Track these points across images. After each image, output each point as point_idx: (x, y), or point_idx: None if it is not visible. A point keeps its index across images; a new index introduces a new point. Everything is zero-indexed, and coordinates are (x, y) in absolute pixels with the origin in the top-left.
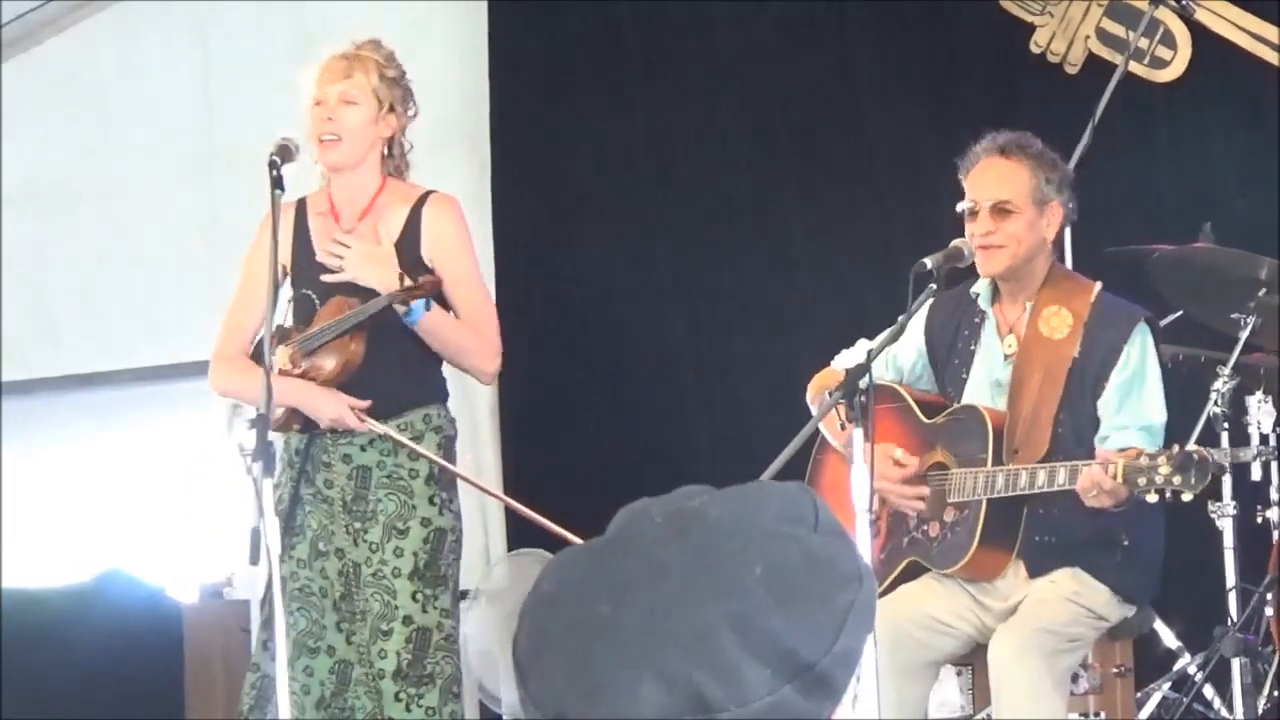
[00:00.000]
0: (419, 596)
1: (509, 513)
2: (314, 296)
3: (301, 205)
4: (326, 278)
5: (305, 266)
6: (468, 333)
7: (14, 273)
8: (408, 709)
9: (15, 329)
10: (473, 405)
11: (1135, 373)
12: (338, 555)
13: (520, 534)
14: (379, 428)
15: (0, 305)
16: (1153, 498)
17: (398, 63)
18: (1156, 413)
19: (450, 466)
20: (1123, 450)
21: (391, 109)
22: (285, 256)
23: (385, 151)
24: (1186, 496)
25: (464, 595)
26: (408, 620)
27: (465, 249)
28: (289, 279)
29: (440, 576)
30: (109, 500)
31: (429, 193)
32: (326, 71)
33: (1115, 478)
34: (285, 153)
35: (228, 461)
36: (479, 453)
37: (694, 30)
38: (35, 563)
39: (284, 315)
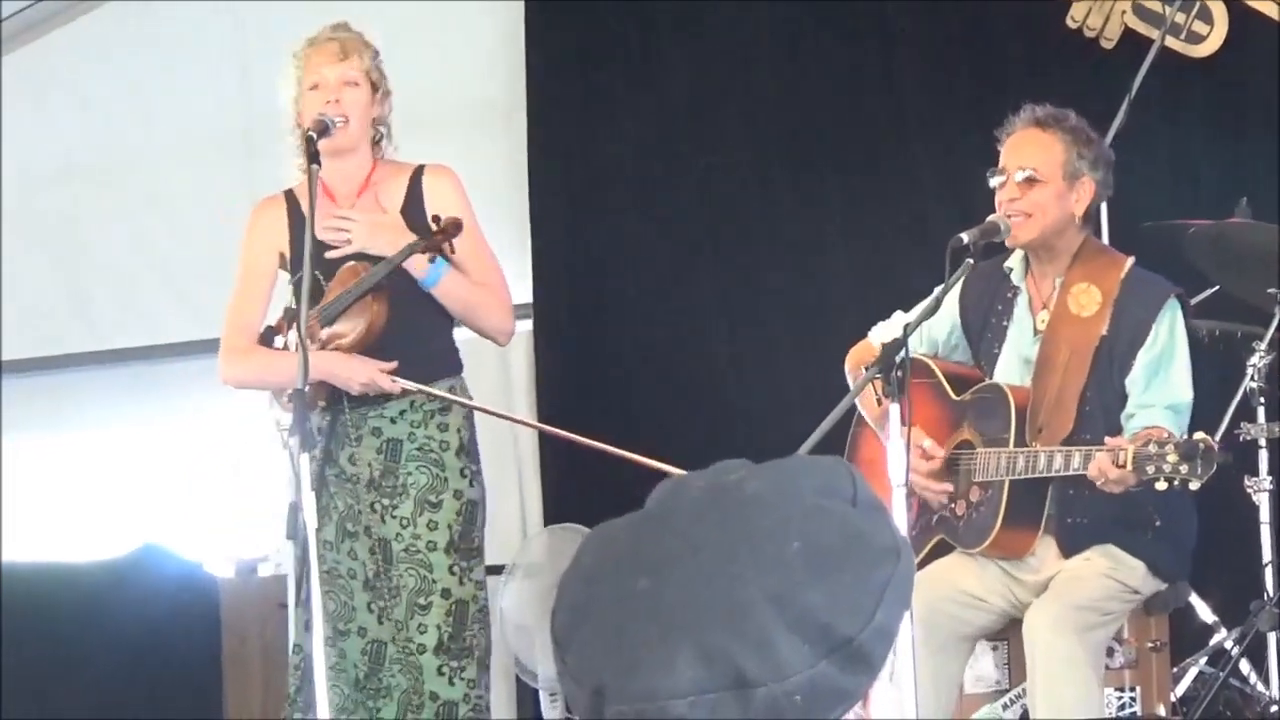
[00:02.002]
0: (455, 569)
1: (546, 487)
2: (320, 276)
3: (290, 195)
4: (332, 254)
5: (311, 257)
6: (482, 292)
7: (51, 249)
8: (450, 682)
9: (52, 305)
10: (509, 379)
11: (1164, 350)
12: (366, 534)
13: (557, 509)
14: (412, 386)
15: (37, 282)
16: (1162, 485)
17: (372, 43)
18: (1183, 391)
19: (495, 411)
20: (1146, 429)
21: (382, 90)
22: (282, 244)
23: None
24: (1193, 485)
25: (499, 570)
26: (446, 593)
27: (469, 212)
28: (289, 262)
29: (474, 549)
30: (146, 475)
31: (422, 165)
32: (320, 55)
33: (1125, 465)
34: (322, 127)
35: (265, 437)
36: (517, 431)
37: (730, 6)
38: (72, 537)
39: (287, 300)
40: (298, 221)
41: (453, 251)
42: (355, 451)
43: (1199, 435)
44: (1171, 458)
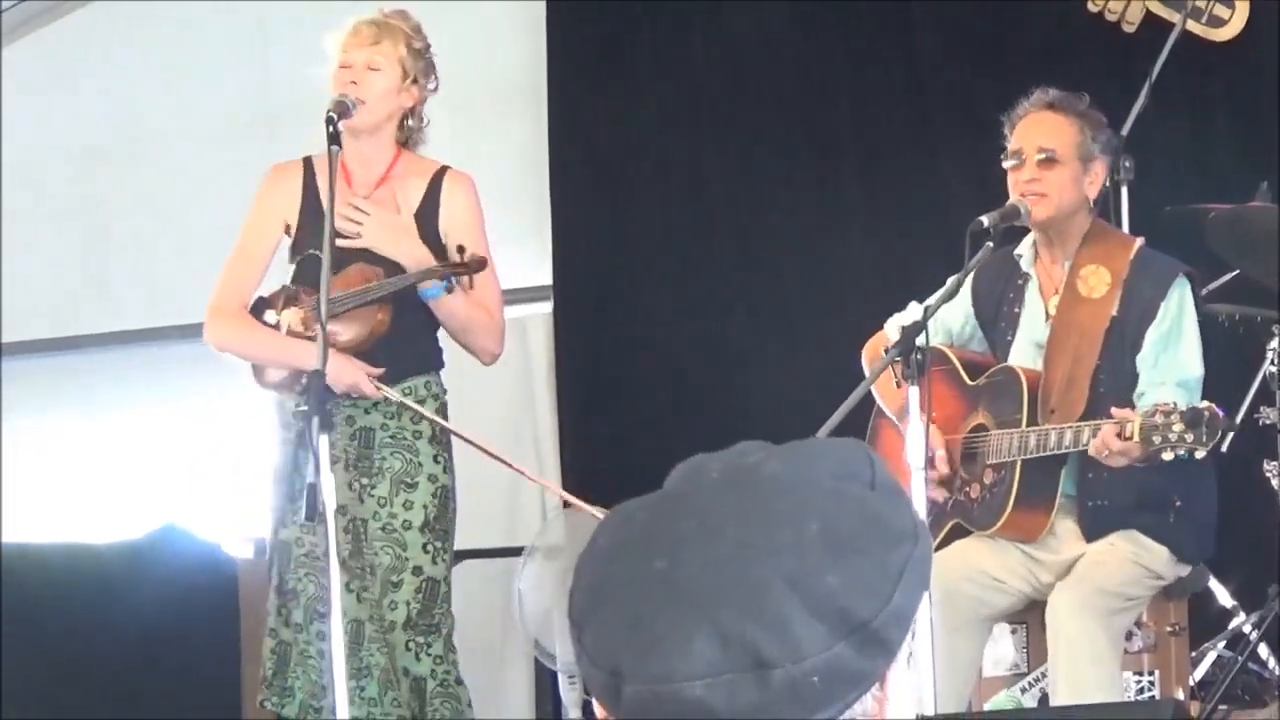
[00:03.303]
0: (429, 548)
1: (566, 469)
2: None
3: (309, 164)
4: (341, 243)
5: (314, 228)
6: (479, 313)
7: (71, 230)
8: (417, 658)
9: (70, 286)
10: (529, 364)
11: (1172, 327)
12: (341, 513)
13: (577, 491)
14: (395, 396)
15: (58, 263)
16: (1169, 455)
17: (424, 35)
18: (1193, 367)
19: (454, 429)
20: (1157, 405)
21: (415, 80)
22: (291, 215)
23: (401, 122)
24: (1200, 454)
25: (519, 552)
26: (418, 570)
27: (480, 228)
28: (293, 238)
29: (445, 531)
30: (166, 456)
31: (445, 167)
32: (355, 36)
33: (1131, 436)
34: (342, 109)
35: (268, 418)
36: (536, 415)
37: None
38: (93, 518)
39: (286, 276)
40: (311, 193)
41: (470, 287)
42: (331, 436)
43: (1204, 403)
44: (1177, 426)
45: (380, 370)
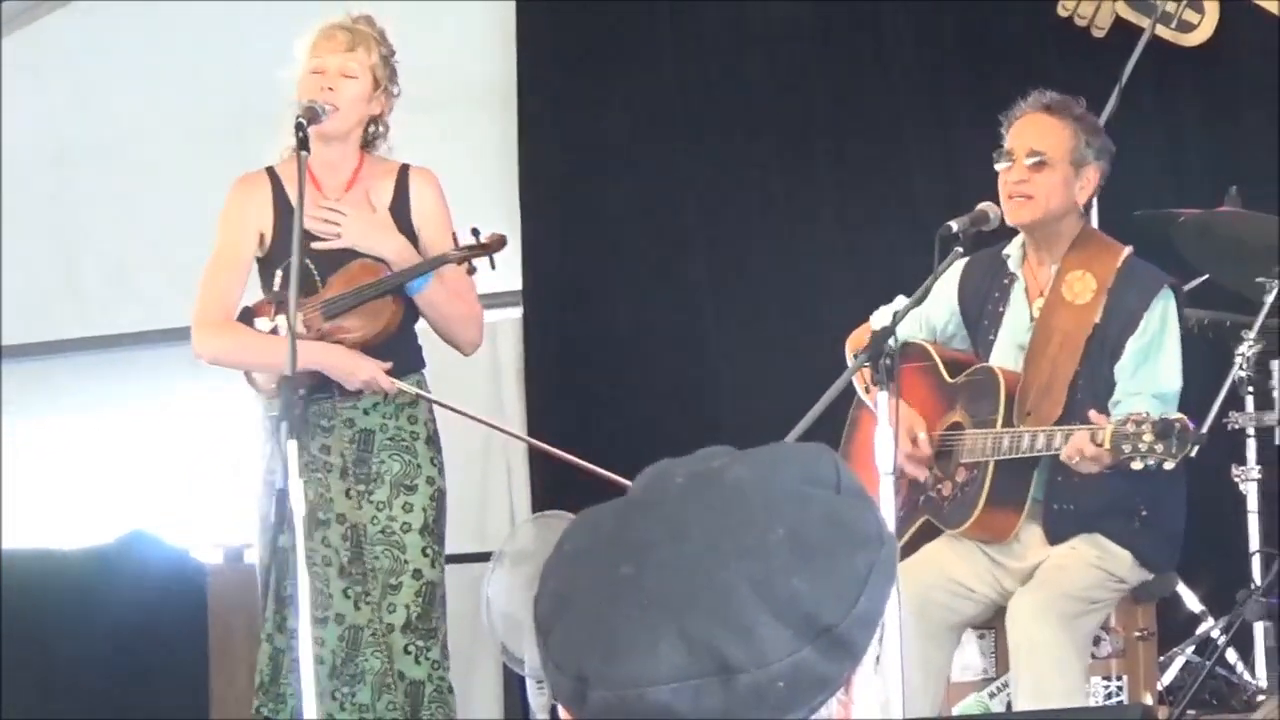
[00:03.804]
0: (428, 551)
1: (534, 475)
2: (310, 265)
3: (273, 174)
4: (319, 245)
5: (290, 236)
6: (459, 304)
7: (44, 233)
8: (416, 661)
9: (45, 289)
10: (497, 368)
11: (1153, 339)
12: (339, 520)
13: (545, 497)
14: (410, 389)
15: (31, 266)
16: (1138, 465)
17: (389, 41)
18: (1171, 380)
19: (487, 421)
20: (1130, 414)
21: (385, 88)
22: (265, 225)
23: (366, 127)
24: (1168, 465)
25: (487, 557)
26: (417, 574)
27: (448, 220)
28: (268, 248)
29: (441, 535)
30: (135, 461)
31: (406, 165)
32: (328, 41)
33: (1102, 444)
34: (312, 115)
35: (250, 423)
36: (505, 419)
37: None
38: (63, 523)
39: (275, 283)
40: (282, 203)
41: (493, 268)
42: (328, 441)
43: (1175, 415)
44: (1147, 436)
45: (389, 364)
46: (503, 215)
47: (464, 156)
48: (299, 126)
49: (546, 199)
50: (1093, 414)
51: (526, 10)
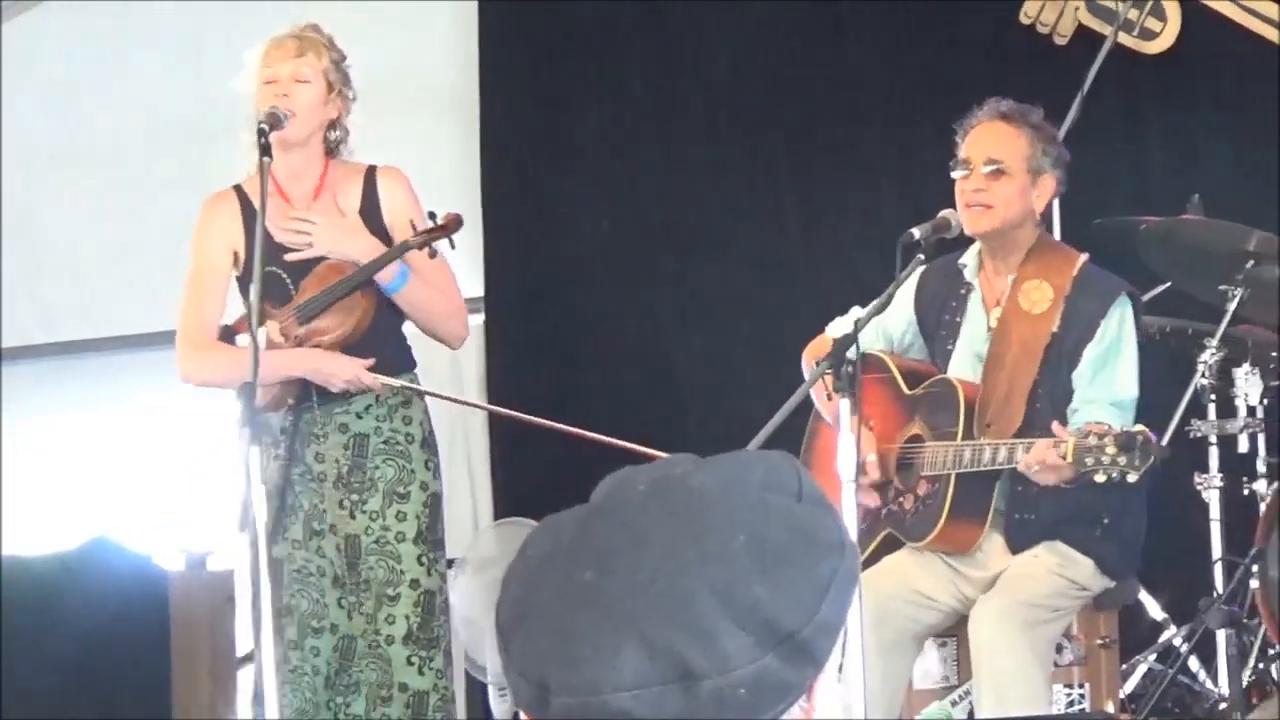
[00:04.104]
0: (424, 560)
1: (496, 481)
2: (284, 275)
3: (241, 191)
4: (292, 256)
5: (263, 249)
6: (440, 298)
7: (5, 238)
8: (420, 672)
9: (6, 296)
10: (460, 375)
11: (1110, 347)
12: (333, 531)
13: (507, 503)
14: (394, 382)
15: None
16: (1100, 478)
17: (338, 47)
18: (1128, 388)
19: (466, 401)
20: (1089, 424)
21: (339, 92)
22: (237, 242)
23: (326, 133)
24: (1131, 478)
25: (451, 564)
26: (415, 584)
27: (420, 214)
28: (242, 267)
29: (439, 540)
30: (99, 467)
31: (373, 166)
32: (278, 50)
33: (1065, 457)
34: (274, 120)
35: (226, 431)
36: (468, 427)
37: (686, 2)
38: (25, 530)
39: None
40: (251, 219)
41: (452, 248)
42: (321, 449)
43: (1138, 428)
44: (1110, 449)
45: (371, 361)
46: (465, 221)
47: (426, 161)
48: (261, 132)
49: (509, 204)
50: (1056, 427)
51: (488, 13)
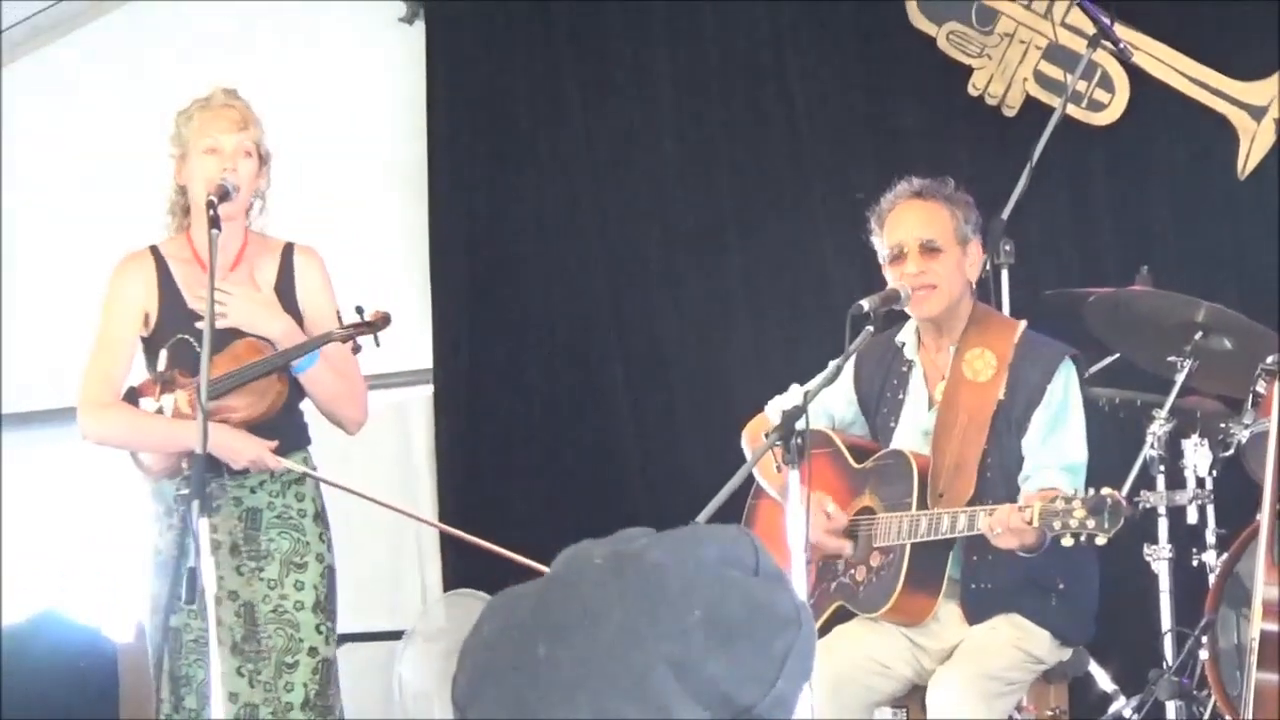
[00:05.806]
0: (322, 629)
1: (446, 552)
2: (194, 343)
3: (157, 253)
4: (203, 325)
5: (176, 313)
6: (343, 382)
7: None
8: None
9: None
10: (409, 446)
11: (1058, 411)
12: (231, 598)
13: (457, 574)
14: (297, 467)
15: None
16: (1068, 541)
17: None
18: (1077, 452)
19: (389, 504)
20: (1043, 490)
21: (266, 164)
22: (150, 305)
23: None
24: (1100, 540)
25: (399, 635)
26: (313, 651)
27: (333, 298)
28: (152, 329)
29: (333, 611)
30: (44, 539)
31: (290, 244)
32: (220, 120)
33: (1031, 521)
34: (224, 194)
35: (138, 504)
36: (416, 497)
37: (633, 73)
38: None
39: (161, 363)
40: (166, 282)
41: (377, 345)
42: (215, 520)
43: (1106, 490)
44: (1079, 513)
45: (275, 443)
46: (414, 295)
47: (376, 237)
48: (210, 204)
49: (457, 278)
50: (1024, 495)
51: (435, 92)
